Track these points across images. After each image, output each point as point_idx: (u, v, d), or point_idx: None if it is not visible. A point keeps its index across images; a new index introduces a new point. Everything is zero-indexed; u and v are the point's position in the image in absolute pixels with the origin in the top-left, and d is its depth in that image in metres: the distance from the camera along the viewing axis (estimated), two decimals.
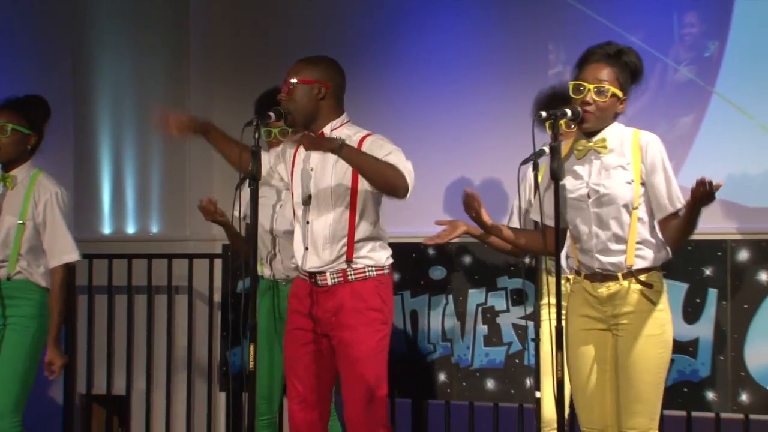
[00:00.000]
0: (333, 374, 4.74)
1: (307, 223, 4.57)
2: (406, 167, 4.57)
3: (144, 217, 7.12)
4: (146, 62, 7.23)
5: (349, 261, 4.59)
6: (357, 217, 4.57)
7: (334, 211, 4.59)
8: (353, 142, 4.59)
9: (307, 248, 4.59)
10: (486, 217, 4.26)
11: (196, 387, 6.78)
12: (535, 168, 4.27)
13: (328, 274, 4.59)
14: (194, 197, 6.70)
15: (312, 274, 4.58)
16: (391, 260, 4.72)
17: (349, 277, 4.56)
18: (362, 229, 4.63)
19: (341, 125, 4.53)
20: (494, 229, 4.36)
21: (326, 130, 4.52)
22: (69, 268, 5.47)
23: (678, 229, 4.25)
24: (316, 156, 4.57)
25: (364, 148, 4.57)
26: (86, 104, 7.26)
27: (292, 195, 4.70)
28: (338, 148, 4.39)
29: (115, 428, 7.08)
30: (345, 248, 4.64)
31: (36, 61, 7.56)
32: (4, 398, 5.14)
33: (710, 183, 4.10)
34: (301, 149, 4.67)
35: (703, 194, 4.10)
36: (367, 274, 4.58)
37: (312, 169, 4.55)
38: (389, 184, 4.48)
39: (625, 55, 4.24)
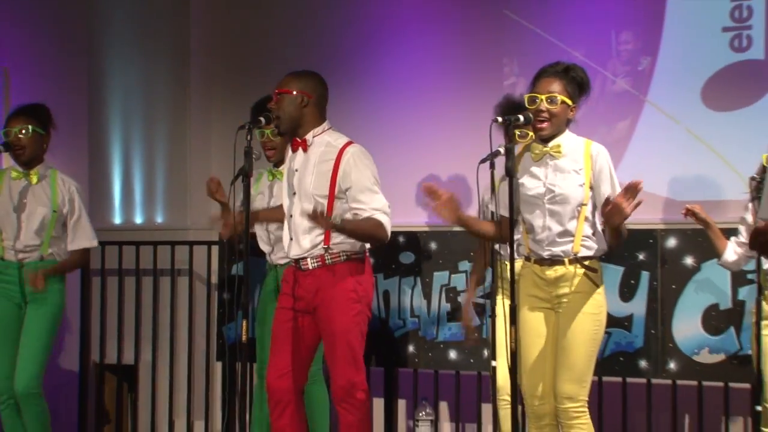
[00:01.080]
0: (311, 348, 4.98)
1: (291, 216, 4.83)
2: (385, 215, 4.88)
3: (150, 208, 7.32)
4: (151, 70, 7.41)
5: (326, 247, 4.79)
6: (332, 211, 4.78)
7: (312, 205, 4.79)
8: (334, 147, 4.83)
9: (291, 238, 4.86)
10: (460, 214, 4.59)
11: (196, 357, 7.01)
12: (492, 166, 4.46)
13: (309, 259, 4.81)
14: (194, 191, 7.04)
15: (296, 260, 4.83)
16: (365, 245, 4.94)
17: (327, 261, 4.77)
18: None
19: (323, 132, 4.78)
20: (463, 221, 4.65)
21: (309, 136, 4.79)
22: (86, 252, 5.73)
23: (611, 237, 4.54)
24: (300, 158, 4.85)
25: (343, 162, 4.80)
26: (99, 109, 7.48)
27: (284, 192, 4.95)
28: (337, 225, 4.73)
29: (124, 393, 7.29)
30: (322, 236, 4.84)
31: (56, 70, 7.73)
32: (33, 366, 5.47)
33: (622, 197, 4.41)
34: (290, 152, 4.92)
35: (609, 212, 4.45)
36: (342, 258, 4.78)
37: (296, 170, 4.82)
38: (375, 240, 4.83)
39: (572, 71, 4.51)
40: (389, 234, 4.87)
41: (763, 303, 4.97)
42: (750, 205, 5.19)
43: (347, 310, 4.83)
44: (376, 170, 4.99)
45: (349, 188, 4.71)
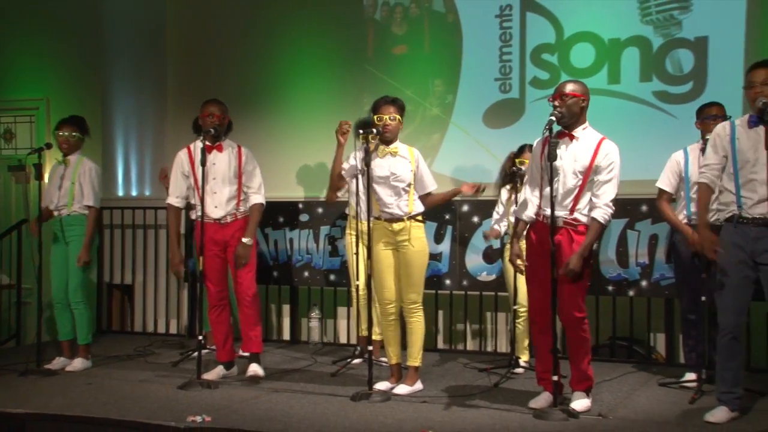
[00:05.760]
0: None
1: (215, 193, 5.44)
2: (262, 189, 5.45)
3: (141, 185, 8.01)
4: (141, 96, 7.94)
5: (236, 209, 5.48)
6: (243, 188, 5.45)
7: (229, 186, 5.46)
8: (234, 148, 5.44)
9: (216, 207, 5.45)
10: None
11: (171, 279, 7.62)
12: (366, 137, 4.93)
13: (228, 217, 5.49)
14: (170, 174, 6.65)
15: (217, 219, 5.45)
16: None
17: (238, 217, 5.49)
18: (246, 196, 5.51)
19: (227, 139, 5.50)
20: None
21: (224, 143, 5.42)
22: (99, 210, 6.02)
23: (433, 202, 5.12)
24: (216, 156, 5.40)
25: (245, 157, 5.42)
26: (108, 117, 8.02)
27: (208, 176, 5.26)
28: (249, 244, 5.30)
29: (125, 304, 7.92)
30: (235, 203, 5.47)
31: (78, 89, 8.21)
32: (78, 279, 5.91)
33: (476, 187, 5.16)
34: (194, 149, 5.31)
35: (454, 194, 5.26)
36: (240, 215, 5.45)
37: (214, 163, 5.42)
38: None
39: (398, 100, 5.05)
40: (264, 204, 5.45)
41: (514, 244, 5.06)
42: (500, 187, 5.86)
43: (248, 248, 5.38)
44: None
45: (245, 170, 5.39)
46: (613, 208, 4.55)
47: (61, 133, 5.97)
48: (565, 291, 4.46)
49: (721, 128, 4.39)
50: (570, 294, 4.47)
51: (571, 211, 4.53)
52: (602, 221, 4.48)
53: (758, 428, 4.19)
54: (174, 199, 5.63)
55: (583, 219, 4.52)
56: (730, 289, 4.25)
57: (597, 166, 4.49)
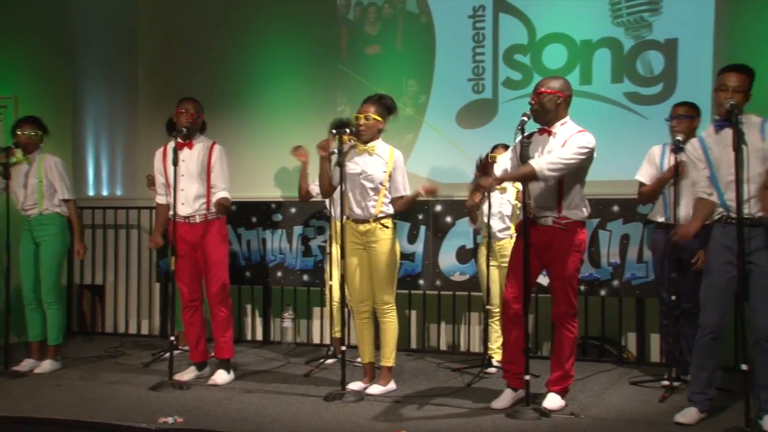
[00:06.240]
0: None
1: (182, 189, 5.36)
2: (228, 185, 5.35)
3: (112, 185, 7.91)
4: (113, 95, 7.88)
5: (207, 209, 5.39)
6: (211, 185, 5.35)
7: (197, 183, 5.36)
8: (207, 145, 5.36)
9: (183, 203, 5.35)
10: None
11: (143, 279, 7.68)
12: (332, 154, 5.00)
13: (197, 216, 5.39)
14: (141, 175, 7.17)
15: (187, 217, 5.36)
16: (233, 208, 5.43)
17: (208, 218, 5.39)
18: (213, 192, 5.38)
19: (200, 136, 5.46)
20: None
21: (195, 141, 5.34)
22: (75, 200, 5.94)
23: (398, 206, 5.02)
24: (186, 153, 5.33)
25: (214, 155, 5.35)
26: (79, 118, 7.90)
27: (176, 175, 5.19)
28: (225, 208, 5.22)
29: (96, 304, 7.83)
30: (204, 202, 5.37)
31: (49, 90, 8.05)
32: (50, 282, 5.86)
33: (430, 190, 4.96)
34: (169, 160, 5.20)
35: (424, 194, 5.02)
36: (211, 216, 5.34)
37: (183, 160, 5.36)
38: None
39: (383, 98, 5.05)
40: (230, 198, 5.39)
41: (491, 244, 5.56)
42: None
43: (220, 249, 5.35)
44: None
45: (214, 167, 5.34)
46: (555, 169, 4.37)
47: (23, 132, 5.90)
48: (557, 288, 4.50)
49: (691, 146, 4.45)
50: (562, 291, 4.52)
51: (558, 209, 4.50)
52: (535, 167, 4.36)
53: (727, 426, 4.21)
54: (159, 198, 5.63)
55: (572, 216, 4.51)
56: (715, 289, 4.26)
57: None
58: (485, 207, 5.67)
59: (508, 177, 4.65)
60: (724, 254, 4.24)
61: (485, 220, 5.67)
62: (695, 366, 4.34)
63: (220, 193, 5.45)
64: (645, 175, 5.35)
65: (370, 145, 5.02)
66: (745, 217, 4.12)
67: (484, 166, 4.60)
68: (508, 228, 5.72)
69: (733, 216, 4.18)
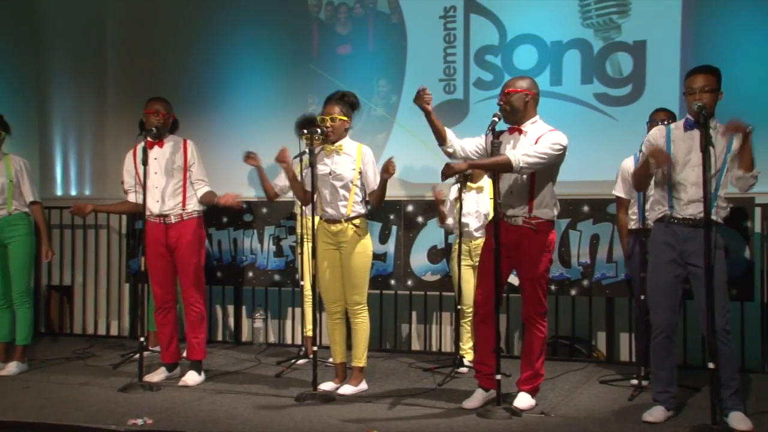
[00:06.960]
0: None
1: (156, 187, 5.34)
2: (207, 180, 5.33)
3: (81, 184, 7.89)
4: (82, 93, 7.81)
5: (183, 209, 5.37)
6: (187, 183, 5.36)
7: (171, 178, 5.35)
8: (178, 142, 5.32)
9: (157, 201, 5.33)
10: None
11: (112, 280, 7.68)
12: (299, 155, 4.98)
13: (172, 216, 5.36)
14: (110, 174, 7.51)
15: (162, 216, 5.32)
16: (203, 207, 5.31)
17: (184, 218, 5.38)
18: (189, 190, 5.37)
19: (170, 135, 5.42)
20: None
21: (166, 139, 5.32)
22: (41, 204, 5.95)
23: (377, 196, 4.95)
24: (157, 152, 5.30)
25: (190, 152, 5.32)
26: (46, 115, 7.91)
27: (146, 174, 5.11)
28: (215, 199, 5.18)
29: (64, 305, 7.77)
30: (181, 200, 5.34)
31: (14, 86, 7.83)
32: (23, 282, 5.85)
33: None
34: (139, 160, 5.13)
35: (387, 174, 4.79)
36: (187, 216, 5.32)
37: (155, 158, 5.32)
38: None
39: (346, 96, 5.05)
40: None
41: (462, 244, 5.57)
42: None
43: (196, 252, 5.30)
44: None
45: (193, 164, 5.35)
46: (531, 163, 4.39)
47: None
48: (527, 288, 4.54)
49: (657, 131, 4.45)
50: (531, 291, 4.54)
51: (530, 209, 4.52)
52: (512, 158, 4.38)
53: (694, 424, 4.25)
54: (130, 195, 5.54)
55: (543, 216, 4.53)
56: (661, 288, 4.31)
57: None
58: (456, 207, 5.64)
59: (481, 163, 4.63)
60: (668, 252, 4.29)
61: (456, 220, 5.62)
62: (654, 366, 4.39)
63: (204, 188, 5.44)
64: (620, 189, 5.42)
65: (337, 144, 5.02)
66: (687, 217, 4.21)
67: (493, 130, 4.52)
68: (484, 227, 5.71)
69: (677, 216, 4.25)
